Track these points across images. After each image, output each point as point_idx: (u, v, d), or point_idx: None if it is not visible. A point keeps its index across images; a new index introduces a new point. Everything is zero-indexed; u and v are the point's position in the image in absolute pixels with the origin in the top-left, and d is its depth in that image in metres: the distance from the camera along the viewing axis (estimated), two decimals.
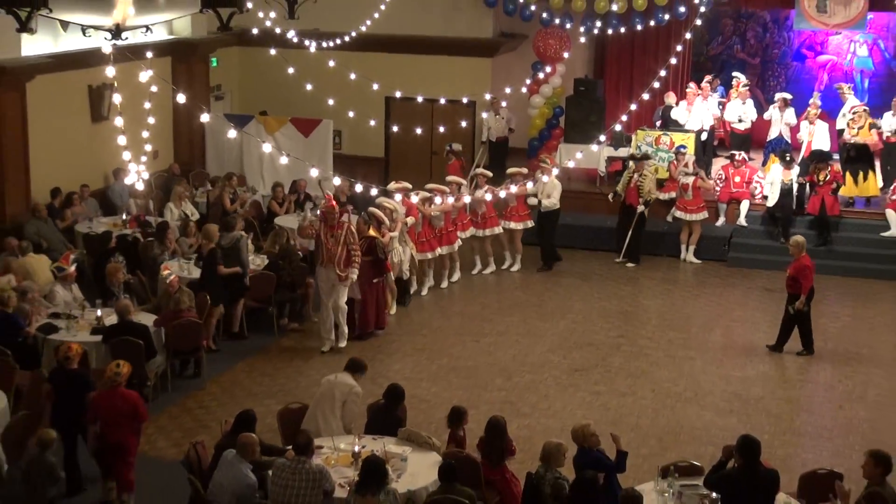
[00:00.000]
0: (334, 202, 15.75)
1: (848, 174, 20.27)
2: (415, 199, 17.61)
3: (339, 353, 14.97)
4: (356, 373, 12.08)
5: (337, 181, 18.19)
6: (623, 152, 21.12)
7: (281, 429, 11.49)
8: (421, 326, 16.31)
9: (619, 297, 18.44)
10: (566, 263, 19.91)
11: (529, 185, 18.73)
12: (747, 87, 22.08)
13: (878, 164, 20.82)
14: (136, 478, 11.48)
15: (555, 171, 18.19)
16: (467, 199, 17.18)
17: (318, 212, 16.05)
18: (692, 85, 22.16)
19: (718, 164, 22.16)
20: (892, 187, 20.36)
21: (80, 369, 11.80)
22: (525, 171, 19.38)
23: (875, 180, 20.30)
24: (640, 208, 19.73)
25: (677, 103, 22.05)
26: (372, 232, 15.75)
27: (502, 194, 17.66)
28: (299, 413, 11.81)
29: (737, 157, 20.55)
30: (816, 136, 20.33)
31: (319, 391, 11.93)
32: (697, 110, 21.71)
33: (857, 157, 20.17)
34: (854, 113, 20.37)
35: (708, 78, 22.56)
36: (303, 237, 17.41)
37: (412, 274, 17.67)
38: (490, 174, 19.55)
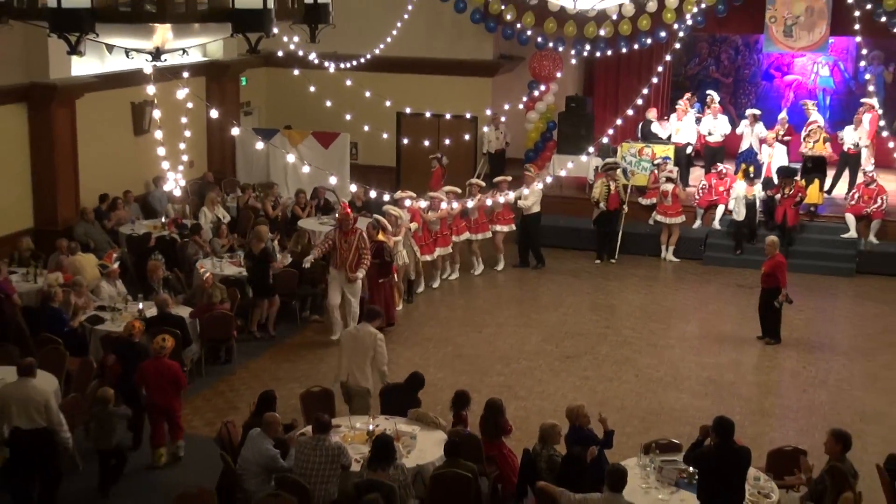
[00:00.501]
0: (349, 210, 15.69)
1: (804, 182, 20.26)
2: (423, 203, 17.57)
3: None
4: (373, 320, 12.50)
5: (353, 188, 18.24)
6: (622, 163, 21.12)
7: (303, 409, 11.48)
8: (428, 319, 16.33)
9: (606, 292, 18.44)
10: (558, 262, 19.89)
11: (510, 194, 18.58)
12: (718, 104, 22.06)
13: (830, 173, 20.92)
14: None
15: (539, 185, 18.24)
16: (470, 203, 17.19)
17: (335, 217, 15.95)
18: (682, 102, 22.08)
19: (695, 173, 22.19)
20: (850, 194, 20.38)
21: (140, 342, 12.26)
22: (510, 178, 19.30)
23: (819, 189, 20.29)
24: (625, 209, 19.83)
25: (658, 118, 22.03)
26: (380, 237, 15.68)
27: (501, 200, 17.67)
28: (320, 395, 11.82)
29: (721, 169, 20.51)
30: (776, 158, 20.23)
31: (345, 346, 12.27)
32: (684, 125, 21.70)
33: (812, 168, 20.16)
34: (810, 129, 20.38)
35: (688, 96, 22.55)
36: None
37: (418, 275, 17.66)
38: (483, 184, 19.58)
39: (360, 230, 15.35)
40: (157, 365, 11.56)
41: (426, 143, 22.20)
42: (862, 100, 21.74)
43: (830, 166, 20.99)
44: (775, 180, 19.86)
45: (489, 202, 17.48)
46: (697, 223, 20.58)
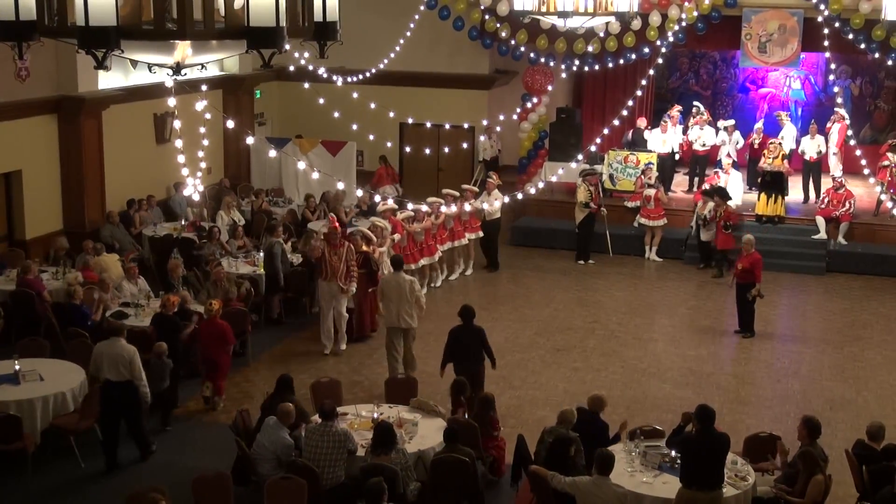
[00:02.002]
0: (337, 224, 15.36)
1: (763, 195, 20.25)
2: (410, 205, 17.41)
3: (337, 356, 14.76)
4: (401, 268, 13.96)
5: (359, 193, 18.21)
6: (598, 169, 21.08)
7: (313, 398, 11.48)
8: (427, 315, 16.25)
9: (594, 290, 18.43)
10: (549, 261, 19.89)
11: (476, 202, 18.49)
12: (703, 115, 22.07)
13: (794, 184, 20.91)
14: (192, 435, 11.70)
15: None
16: (443, 208, 16.94)
17: (322, 232, 15.46)
18: (669, 116, 22.03)
19: (676, 179, 22.20)
20: (820, 198, 20.41)
21: (173, 315, 13.11)
22: (475, 189, 19.05)
23: (783, 203, 20.19)
24: (604, 211, 19.79)
25: (647, 128, 22.02)
26: (364, 248, 15.32)
27: (467, 207, 17.54)
28: (328, 385, 11.83)
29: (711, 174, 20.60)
30: (731, 183, 19.94)
31: (390, 295, 13.52)
32: (668, 136, 21.70)
33: (771, 182, 20.10)
34: (770, 144, 20.38)
35: (678, 108, 22.50)
36: (313, 256, 15.93)
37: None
38: (476, 189, 19.48)
39: (347, 243, 14.87)
40: (209, 325, 12.79)
41: (427, 151, 22.24)
42: (836, 109, 21.72)
43: (794, 177, 20.94)
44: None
45: (453, 208, 17.04)
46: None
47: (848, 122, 21.19)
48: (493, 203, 18.66)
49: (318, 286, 15.00)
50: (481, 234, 18.95)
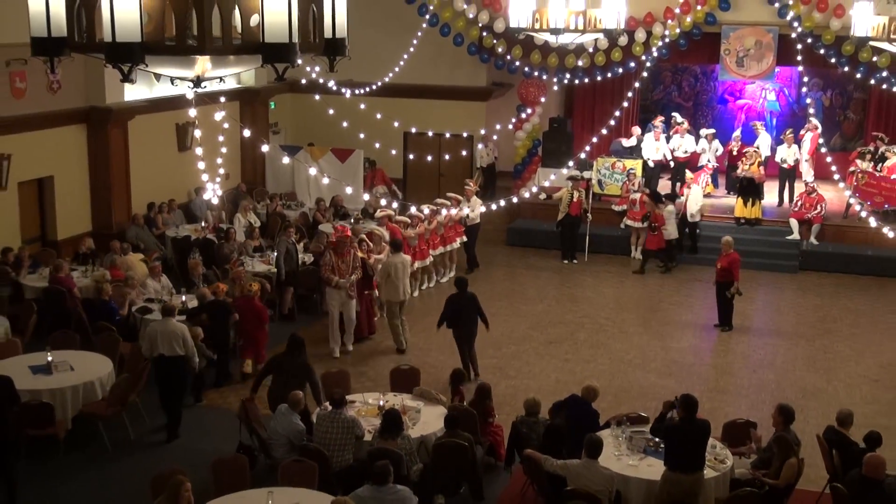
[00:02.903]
0: (348, 232, 15.23)
1: (740, 199, 20.27)
2: (427, 209, 17.35)
3: (346, 354, 14.59)
4: (400, 249, 14.86)
5: (367, 196, 18.21)
6: (587, 174, 21.08)
7: (323, 388, 11.47)
8: (429, 310, 16.28)
9: (584, 286, 18.43)
10: (543, 260, 19.89)
11: (464, 209, 18.39)
12: (683, 125, 22.06)
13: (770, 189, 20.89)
14: (211, 421, 11.77)
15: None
16: (451, 212, 16.87)
17: (329, 240, 15.19)
18: (656, 126, 21.99)
19: (661, 183, 22.19)
20: (793, 202, 20.41)
21: (223, 300, 13.55)
22: (459, 197, 18.70)
23: (759, 207, 20.22)
24: (589, 217, 19.67)
25: (639, 137, 21.99)
26: (360, 254, 14.92)
27: (453, 212, 17.44)
28: (337, 376, 11.83)
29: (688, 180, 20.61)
30: (690, 199, 19.60)
31: (393, 273, 14.39)
32: (659, 143, 21.68)
33: (747, 187, 20.12)
34: (747, 152, 20.38)
35: (661, 118, 22.49)
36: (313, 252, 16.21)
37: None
38: (476, 188, 19.44)
39: (354, 251, 14.60)
40: (247, 302, 13.49)
41: (428, 158, 22.27)
42: (811, 118, 21.70)
43: (770, 182, 20.93)
44: (689, 217, 19.56)
45: (453, 211, 17.13)
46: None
47: (819, 130, 21.18)
48: (476, 209, 18.58)
49: (326, 292, 14.74)
50: (465, 238, 18.72)
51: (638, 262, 19.45)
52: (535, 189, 19.74)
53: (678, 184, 21.74)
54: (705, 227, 20.03)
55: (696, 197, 19.53)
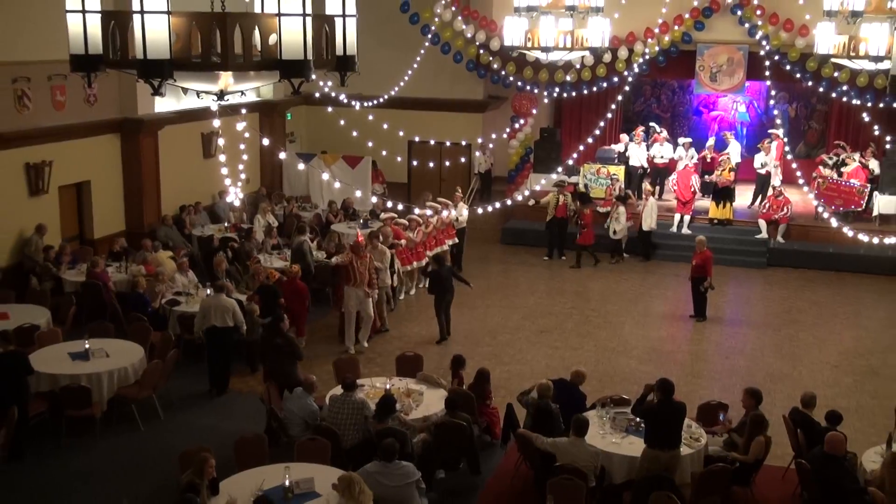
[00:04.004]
0: (362, 238, 15.00)
1: (713, 202, 20.29)
2: (431, 209, 17.25)
3: (361, 351, 14.21)
4: (375, 239, 15.00)
5: (374, 199, 18.18)
6: (574, 179, 21.10)
7: (335, 373, 11.48)
8: (431, 303, 16.27)
9: (572, 281, 18.43)
10: (534, 257, 19.87)
11: (453, 212, 18.21)
12: (661, 134, 22.07)
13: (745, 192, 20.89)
14: (233, 404, 11.69)
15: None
16: (447, 213, 16.79)
17: (349, 244, 14.87)
18: (639, 133, 22.00)
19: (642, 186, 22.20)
20: (762, 203, 20.40)
21: (273, 285, 13.68)
22: (448, 201, 18.50)
23: (731, 209, 20.24)
24: (581, 222, 19.57)
25: (627, 145, 21.98)
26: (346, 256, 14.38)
27: (444, 214, 17.38)
28: (348, 362, 11.85)
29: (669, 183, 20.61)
30: (646, 211, 19.44)
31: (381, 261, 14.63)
32: (641, 150, 21.71)
33: (719, 191, 20.15)
34: (722, 161, 20.38)
35: (642, 128, 22.50)
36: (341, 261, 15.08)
37: (400, 283, 16.50)
38: (460, 193, 19.33)
39: (370, 255, 14.34)
40: (290, 283, 13.84)
41: (430, 164, 22.25)
42: (769, 130, 21.75)
43: (744, 186, 20.93)
44: (645, 227, 19.50)
45: (445, 213, 17.06)
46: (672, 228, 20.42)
47: (784, 139, 21.20)
48: (462, 213, 18.53)
49: (345, 291, 14.23)
50: (456, 240, 18.43)
51: (573, 258, 19.37)
52: (527, 192, 19.72)
53: (657, 187, 21.77)
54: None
55: (652, 209, 19.47)
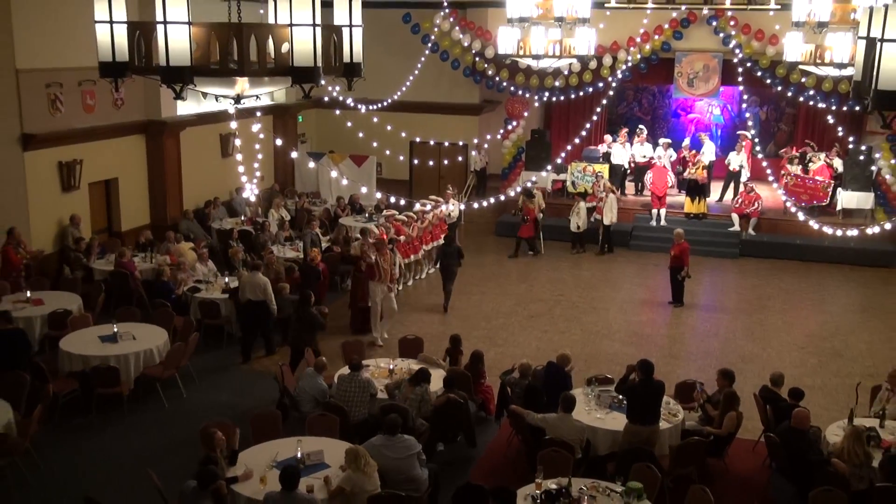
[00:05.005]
0: (385, 236, 14.89)
1: (687, 198, 20.25)
2: (427, 208, 17.21)
3: (381, 343, 13.93)
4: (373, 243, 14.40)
5: (378, 195, 18.13)
6: (563, 177, 21.08)
7: (343, 354, 11.49)
8: (431, 290, 16.26)
9: (560, 270, 18.42)
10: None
11: (446, 207, 18.24)
12: (643, 135, 22.05)
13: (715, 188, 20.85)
14: (250, 382, 11.69)
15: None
16: (444, 208, 16.68)
17: (372, 241, 14.46)
18: (623, 134, 21.98)
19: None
20: (734, 199, 20.40)
21: (315, 265, 14.15)
22: (441, 199, 18.52)
23: (705, 204, 20.19)
24: (540, 216, 19.33)
25: (609, 145, 21.93)
26: (371, 255, 14.08)
27: (440, 209, 17.33)
28: (354, 344, 11.85)
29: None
30: (607, 207, 19.27)
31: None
32: (625, 150, 21.68)
33: (694, 187, 20.12)
34: (697, 161, 20.35)
35: (626, 130, 22.46)
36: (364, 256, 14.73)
37: (401, 274, 16.04)
38: (452, 191, 19.24)
39: (389, 252, 14.06)
40: (309, 267, 14.18)
41: (430, 163, 22.23)
42: (738, 132, 21.71)
43: (717, 183, 20.94)
44: (605, 222, 19.31)
45: (441, 208, 16.94)
46: (652, 222, 20.34)
47: (752, 140, 21.20)
48: (451, 209, 18.46)
49: (370, 287, 13.82)
50: (449, 235, 18.13)
51: (514, 248, 19.27)
52: (518, 188, 19.69)
53: (639, 184, 21.78)
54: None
55: (612, 206, 19.39)
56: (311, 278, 13.91)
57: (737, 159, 20.81)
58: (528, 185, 19.82)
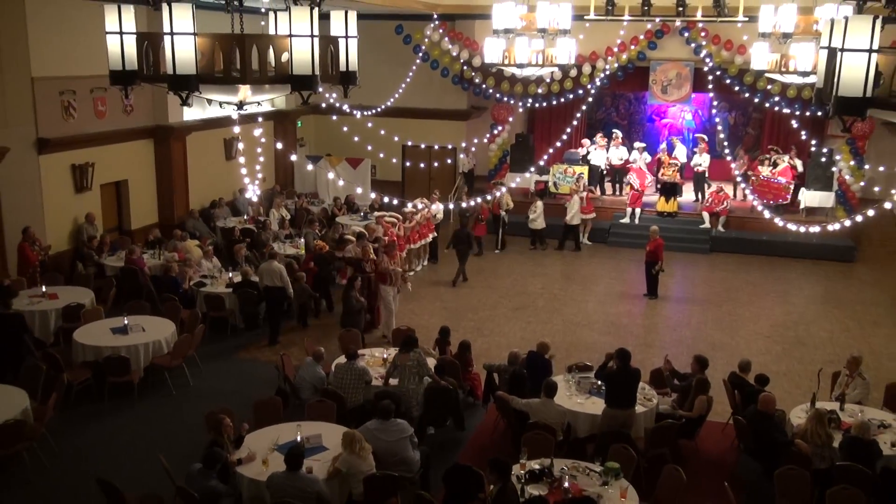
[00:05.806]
0: (395, 237, 14.77)
1: (662, 198, 20.30)
2: (421, 205, 17.17)
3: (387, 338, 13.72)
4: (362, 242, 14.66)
5: (373, 195, 18.09)
6: (545, 178, 21.08)
7: (341, 345, 11.47)
8: (422, 284, 16.24)
9: (543, 265, 18.45)
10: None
11: (432, 207, 18.14)
12: (620, 138, 22.08)
13: (684, 191, 20.87)
14: (253, 371, 11.67)
15: (499, 193, 18.03)
16: (433, 207, 16.67)
17: (382, 243, 14.36)
18: (600, 139, 22.01)
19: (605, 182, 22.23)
20: (703, 199, 20.46)
21: (328, 253, 14.72)
22: (427, 200, 18.36)
23: (677, 203, 20.26)
24: (503, 214, 19.32)
25: (588, 149, 21.95)
26: (372, 255, 14.09)
27: (431, 207, 17.33)
28: (350, 335, 11.82)
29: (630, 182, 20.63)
30: (570, 207, 19.26)
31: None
32: (603, 153, 21.70)
33: (668, 188, 20.20)
34: (671, 162, 20.41)
35: (600, 134, 22.47)
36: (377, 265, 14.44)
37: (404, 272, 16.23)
38: (438, 194, 19.17)
39: (398, 253, 13.92)
40: (321, 257, 14.54)
41: (421, 165, 22.19)
42: (696, 135, 21.74)
43: (689, 184, 21.00)
44: (568, 221, 19.25)
45: (432, 207, 17.01)
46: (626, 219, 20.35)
47: (707, 144, 21.24)
48: (436, 210, 18.44)
49: (381, 288, 13.46)
50: (435, 234, 18.19)
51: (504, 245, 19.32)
52: (504, 189, 19.68)
53: (616, 185, 21.81)
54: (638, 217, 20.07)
55: (575, 206, 19.35)
56: (324, 265, 14.39)
57: (699, 160, 20.88)
58: (498, 193, 19.66)
